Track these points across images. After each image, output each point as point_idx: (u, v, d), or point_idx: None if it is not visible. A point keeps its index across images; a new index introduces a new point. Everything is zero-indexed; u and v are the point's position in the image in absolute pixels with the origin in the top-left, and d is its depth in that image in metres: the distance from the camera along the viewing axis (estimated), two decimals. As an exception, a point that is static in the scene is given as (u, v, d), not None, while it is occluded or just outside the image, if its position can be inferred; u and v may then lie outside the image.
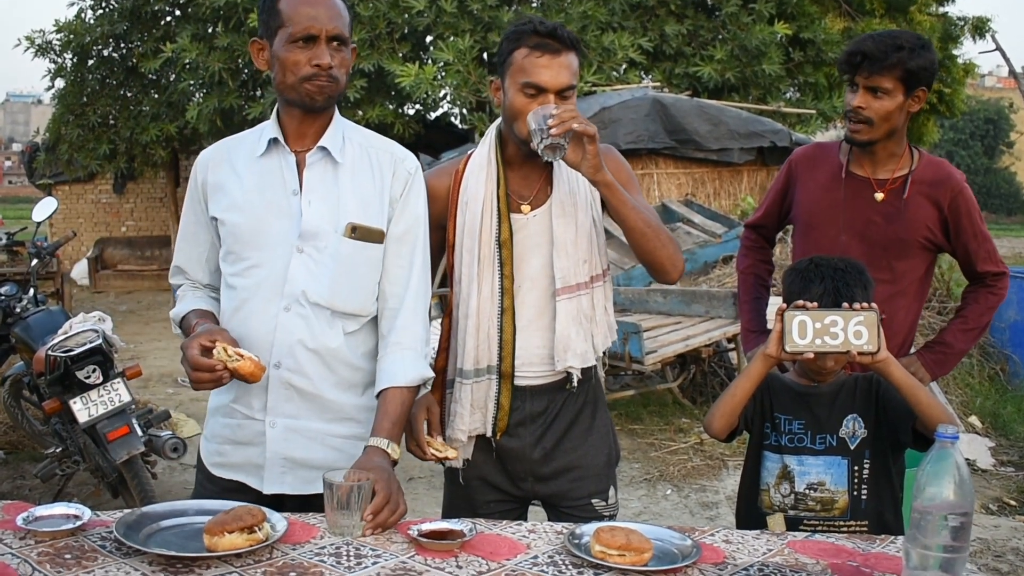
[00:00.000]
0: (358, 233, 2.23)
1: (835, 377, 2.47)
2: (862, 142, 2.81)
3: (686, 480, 5.67)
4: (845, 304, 2.25)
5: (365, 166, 2.29)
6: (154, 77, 13.95)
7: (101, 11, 14.10)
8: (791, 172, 3.07)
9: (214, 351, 2.08)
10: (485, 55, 11.63)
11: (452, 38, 10.99)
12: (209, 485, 2.35)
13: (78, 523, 1.88)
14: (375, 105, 11.65)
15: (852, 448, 2.42)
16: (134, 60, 13.89)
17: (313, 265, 2.21)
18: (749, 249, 3.29)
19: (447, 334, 2.48)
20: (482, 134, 10.61)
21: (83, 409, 4.28)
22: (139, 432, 4.38)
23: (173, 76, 13.37)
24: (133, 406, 4.45)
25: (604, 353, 2.53)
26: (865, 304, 2.23)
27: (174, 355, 9.88)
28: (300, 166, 2.26)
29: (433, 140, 13.46)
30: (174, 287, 2.46)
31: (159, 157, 14.56)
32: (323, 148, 2.25)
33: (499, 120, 2.46)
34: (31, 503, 2.11)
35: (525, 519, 2.49)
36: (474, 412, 2.42)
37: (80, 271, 16.50)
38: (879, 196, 2.86)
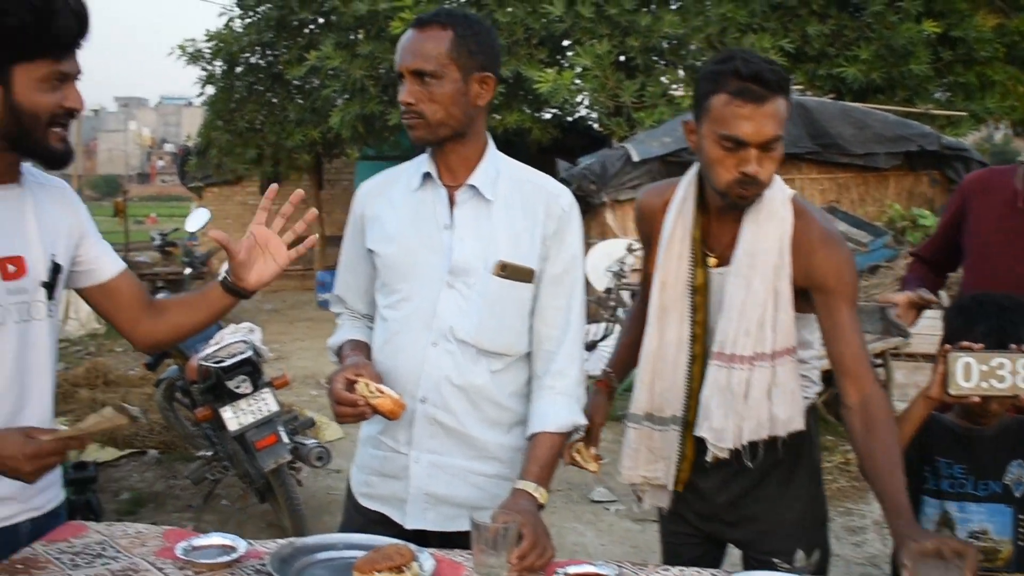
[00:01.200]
0: (507, 271, 2.20)
1: (999, 419, 2.35)
2: None
3: (831, 502, 5.42)
4: (1012, 345, 2.14)
5: (517, 202, 2.24)
6: (299, 84, 14.35)
7: (249, 20, 14.58)
8: (963, 200, 2.90)
9: (357, 386, 2.09)
10: (623, 58, 11.58)
11: (590, 43, 10.98)
12: (356, 515, 2.37)
13: (234, 555, 1.94)
14: (513, 110, 11.71)
15: (1017, 496, 2.30)
16: (280, 67, 14.31)
17: (462, 301, 2.20)
18: (910, 276, 3.06)
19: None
20: (620, 139, 10.68)
21: (233, 418, 4.43)
22: (285, 440, 4.52)
23: (317, 83, 13.73)
24: (280, 415, 4.59)
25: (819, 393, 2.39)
26: (1034, 347, 2.11)
27: (317, 355, 10.15)
28: (452, 200, 2.25)
29: (571, 143, 13.46)
30: (336, 315, 2.50)
31: (303, 161, 15.00)
32: (472, 186, 2.24)
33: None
34: (189, 529, 2.19)
35: (720, 561, 2.45)
36: (656, 461, 2.34)
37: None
38: None
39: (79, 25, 1.90)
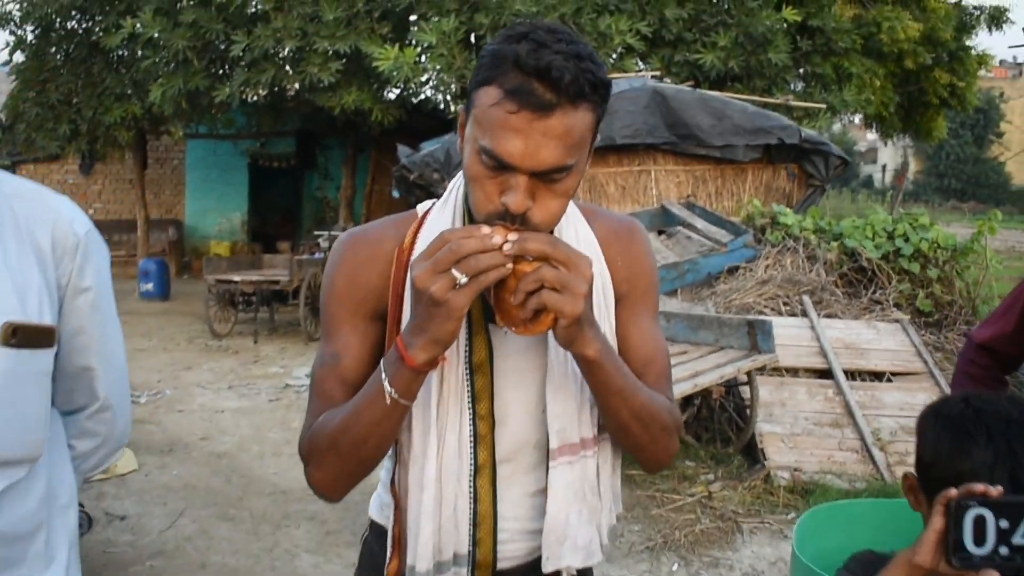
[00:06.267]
0: (19, 337, 1.41)
1: None
2: None
3: (694, 549, 4.84)
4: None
5: (10, 232, 1.45)
6: (120, 54, 13.06)
7: (65, -19, 13.17)
8: None
9: None
10: (472, 37, 10.81)
11: (436, 19, 10.16)
12: None
13: None
14: (352, 90, 10.79)
15: None
16: (99, 35, 12.96)
17: None
18: (971, 378, 2.32)
19: (398, 515, 1.54)
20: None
21: None
22: None
23: (139, 53, 12.47)
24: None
25: None
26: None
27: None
28: None
29: (416, 125, 12.64)
30: None
31: (123, 139, 13.65)
32: None
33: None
34: None
35: None
36: None
37: None
38: None
39: None
